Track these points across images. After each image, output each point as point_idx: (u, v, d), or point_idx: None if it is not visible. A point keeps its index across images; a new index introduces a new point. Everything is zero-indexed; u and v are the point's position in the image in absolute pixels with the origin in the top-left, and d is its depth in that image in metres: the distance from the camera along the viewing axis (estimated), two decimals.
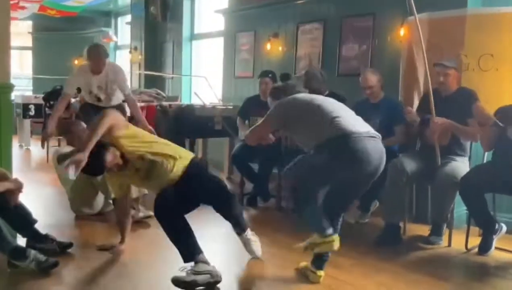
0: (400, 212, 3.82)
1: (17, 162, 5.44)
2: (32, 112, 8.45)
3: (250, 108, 5.08)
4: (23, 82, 11.88)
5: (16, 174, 3.34)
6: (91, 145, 2.86)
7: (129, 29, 9.78)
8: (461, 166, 3.69)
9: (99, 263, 3.22)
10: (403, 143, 4.18)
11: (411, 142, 4.11)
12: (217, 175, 3.16)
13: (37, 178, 5.81)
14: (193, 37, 8.53)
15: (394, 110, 4.10)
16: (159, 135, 3.89)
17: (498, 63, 3.84)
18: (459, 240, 3.69)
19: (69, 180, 3.89)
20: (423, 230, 3.99)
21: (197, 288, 2.76)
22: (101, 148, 2.93)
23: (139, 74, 9.14)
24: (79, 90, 5.12)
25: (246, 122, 5.15)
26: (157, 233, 2.98)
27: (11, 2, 4.63)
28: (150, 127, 4.43)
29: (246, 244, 3.23)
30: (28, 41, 12.23)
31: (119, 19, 11.30)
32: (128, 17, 10.03)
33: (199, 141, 6.58)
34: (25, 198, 3.19)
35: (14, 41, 8.91)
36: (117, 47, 11.33)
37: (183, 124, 5.72)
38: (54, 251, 3.23)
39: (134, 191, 3.84)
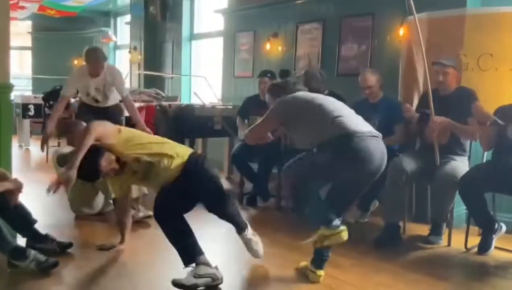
0: (399, 212, 3.82)
1: (16, 162, 5.45)
2: (31, 112, 8.44)
3: (250, 108, 5.09)
4: (22, 82, 11.89)
5: (15, 174, 3.34)
6: (78, 162, 2.84)
7: (129, 29, 9.78)
8: (460, 165, 3.69)
9: (99, 263, 3.22)
10: (403, 142, 4.18)
11: (410, 141, 4.11)
12: (214, 173, 3.08)
13: (36, 178, 5.79)
14: (192, 37, 8.53)
15: (394, 110, 4.10)
16: (159, 135, 3.88)
17: (497, 63, 3.84)
18: (458, 240, 3.70)
19: None
20: (423, 229, 4.00)
21: None
22: (95, 153, 2.92)
23: (139, 74, 9.13)
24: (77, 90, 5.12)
25: (246, 121, 5.15)
26: (157, 233, 2.98)
27: (11, 2, 4.62)
28: (148, 130, 4.40)
29: (247, 244, 3.19)
30: (28, 41, 12.23)
31: (119, 19, 11.30)
32: (128, 17, 10.03)
33: (199, 141, 6.59)
34: (24, 198, 3.20)
35: (14, 41, 8.92)
36: (116, 47, 11.34)
37: (182, 124, 5.72)
38: (54, 251, 3.24)
39: (134, 191, 3.84)
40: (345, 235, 2.88)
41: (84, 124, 4.22)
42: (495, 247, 3.57)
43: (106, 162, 2.97)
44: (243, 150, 4.89)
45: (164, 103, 6.30)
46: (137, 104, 6.06)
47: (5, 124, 3.44)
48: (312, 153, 2.98)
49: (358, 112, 3.13)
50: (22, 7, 8.85)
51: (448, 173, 3.60)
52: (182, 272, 2.80)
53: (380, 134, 2.96)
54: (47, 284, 2.88)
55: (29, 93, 10.13)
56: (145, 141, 3.06)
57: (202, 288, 2.77)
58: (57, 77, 8.82)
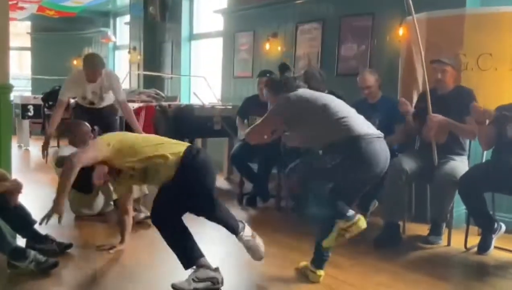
0: (399, 212, 3.82)
1: (16, 163, 5.44)
2: (31, 113, 8.44)
3: (249, 108, 5.09)
4: (22, 83, 11.89)
5: (15, 174, 3.34)
6: (63, 198, 2.88)
7: (128, 29, 9.77)
8: (460, 165, 3.69)
9: (99, 264, 3.22)
10: (404, 141, 4.17)
11: (410, 140, 4.11)
12: (209, 170, 2.97)
13: (36, 179, 5.81)
14: (192, 37, 8.53)
15: (393, 110, 4.10)
16: (159, 135, 3.88)
17: (497, 63, 3.84)
18: (458, 240, 3.70)
19: None
20: (422, 229, 4.00)
21: None
22: (87, 168, 2.93)
23: (138, 74, 9.13)
24: None
25: (245, 121, 5.15)
26: (157, 234, 2.98)
27: (10, 2, 4.62)
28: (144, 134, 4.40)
29: (245, 246, 3.05)
30: (27, 42, 12.23)
31: (118, 19, 11.30)
32: (127, 17, 10.03)
33: (198, 141, 6.58)
34: (24, 199, 3.20)
35: (13, 42, 8.91)
36: (116, 47, 11.33)
37: (182, 124, 5.72)
38: (54, 252, 3.24)
39: (135, 192, 3.84)
40: (363, 223, 2.83)
41: (87, 124, 4.25)
42: (495, 247, 3.57)
43: (98, 176, 2.99)
44: (242, 150, 4.89)
45: (164, 103, 6.29)
46: (136, 105, 6.08)
47: (4, 124, 3.44)
48: (317, 155, 2.95)
49: (357, 112, 3.13)
50: (21, 8, 8.84)
51: (447, 173, 3.60)
52: (182, 272, 2.80)
53: (382, 134, 2.96)
54: (47, 284, 2.88)
55: (28, 94, 10.13)
56: (138, 147, 2.98)
57: None
58: (57, 78, 8.83)
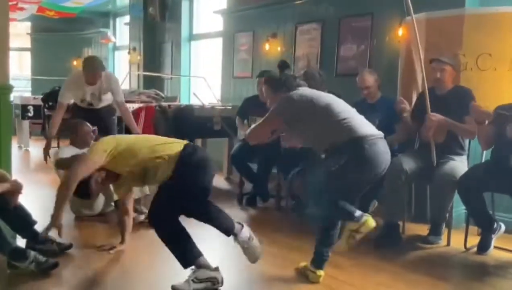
0: (399, 212, 3.83)
1: (16, 163, 5.45)
2: (31, 113, 8.43)
3: (249, 108, 5.09)
4: (22, 83, 11.90)
5: (15, 175, 3.34)
6: (60, 215, 2.92)
7: (128, 30, 9.78)
8: (459, 165, 3.70)
9: (99, 264, 3.22)
10: (404, 141, 4.17)
11: (410, 136, 4.11)
12: (206, 169, 2.94)
13: (36, 179, 5.81)
14: (191, 37, 8.53)
15: (393, 110, 4.10)
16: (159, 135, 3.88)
17: (496, 63, 3.85)
18: (458, 240, 3.70)
19: None
20: (422, 229, 4.00)
21: None
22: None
23: (138, 74, 9.14)
24: None
25: (245, 122, 5.15)
26: None
27: (10, 3, 4.62)
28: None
29: (241, 247, 2.96)
30: (27, 42, 12.24)
31: (118, 20, 11.30)
32: (127, 18, 10.04)
33: (198, 142, 6.58)
34: (24, 199, 3.20)
35: (13, 42, 8.93)
36: (115, 48, 11.34)
37: (182, 124, 5.72)
38: (54, 252, 3.24)
39: (136, 192, 3.84)
40: (372, 222, 2.82)
41: (88, 124, 4.26)
42: (495, 247, 3.57)
43: (95, 182, 3.00)
44: (242, 150, 4.90)
45: (164, 104, 6.30)
46: (136, 105, 6.08)
47: (4, 125, 3.44)
48: (318, 158, 2.94)
49: (357, 112, 3.13)
50: (21, 8, 8.84)
51: (447, 173, 3.61)
52: (182, 273, 2.80)
53: (383, 134, 2.96)
54: (47, 285, 2.88)
55: (28, 94, 10.14)
56: (134, 150, 2.95)
57: None
58: (57, 78, 8.83)
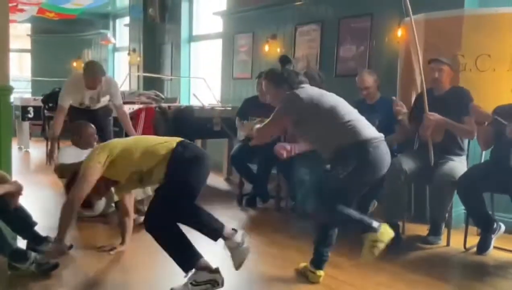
0: (399, 212, 3.83)
1: (16, 165, 5.45)
2: (31, 114, 8.43)
3: (249, 109, 5.09)
4: (22, 85, 11.90)
5: (15, 176, 3.35)
6: (64, 235, 2.94)
7: (128, 31, 9.79)
8: (458, 165, 3.70)
9: (100, 265, 3.23)
10: (403, 141, 4.18)
11: (409, 138, 4.12)
12: (197, 167, 2.87)
13: (36, 180, 5.82)
14: (191, 38, 8.54)
15: (392, 110, 4.11)
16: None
17: (495, 64, 3.86)
18: (457, 240, 3.71)
19: None
20: (422, 229, 4.01)
21: None
22: None
23: (138, 76, 9.15)
24: None
25: (245, 122, 5.15)
26: None
27: (10, 4, 4.63)
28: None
29: (229, 252, 2.85)
30: (27, 44, 12.24)
31: (118, 21, 11.31)
32: (127, 19, 10.04)
33: (198, 142, 6.59)
34: (24, 200, 3.20)
35: (13, 44, 8.94)
36: (115, 49, 11.34)
37: (182, 125, 5.72)
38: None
39: (139, 193, 3.84)
40: (389, 230, 2.82)
41: (92, 126, 4.27)
42: (494, 247, 3.58)
43: (94, 193, 3.01)
44: (242, 151, 4.91)
45: (164, 105, 6.31)
46: (136, 106, 6.10)
47: (4, 126, 3.45)
48: (322, 164, 2.92)
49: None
50: (21, 10, 8.86)
51: (446, 173, 3.61)
52: (182, 274, 2.79)
53: (383, 136, 2.96)
54: (47, 286, 2.88)
55: (28, 96, 10.15)
56: (128, 157, 2.93)
57: None
58: (57, 79, 8.84)
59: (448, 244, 3.75)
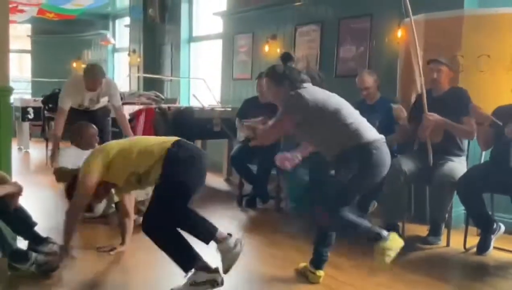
0: (398, 212, 3.84)
1: (16, 165, 5.45)
2: (31, 115, 8.44)
3: (249, 110, 5.09)
4: (22, 85, 11.89)
5: (15, 177, 3.35)
6: (71, 239, 3.02)
7: (128, 32, 9.79)
8: (458, 166, 3.70)
9: (100, 265, 3.23)
10: (403, 141, 4.18)
11: (409, 139, 4.12)
12: (191, 167, 2.85)
13: (36, 181, 5.82)
14: (191, 39, 8.54)
15: (392, 110, 4.11)
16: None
17: (495, 64, 3.85)
18: (457, 240, 3.71)
19: None
20: (422, 230, 4.01)
21: None
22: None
23: (138, 76, 9.15)
24: None
25: (244, 123, 5.16)
26: None
27: (10, 5, 4.63)
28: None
29: (220, 255, 2.81)
30: (27, 44, 12.24)
31: (117, 22, 11.31)
32: (127, 20, 10.05)
33: (198, 143, 6.59)
34: (24, 201, 3.20)
35: (13, 44, 8.94)
36: (115, 50, 11.34)
37: (182, 126, 5.72)
38: (55, 254, 3.24)
39: (140, 194, 3.84)
40: (399, 239, 2.85)
41: (94, 127, 4.28)
42: (494, 247, 3.58)
43: (93, 197, 3.05)
44: (242, 151, 4.91)
45: (164, 106, 6.32)
46: (136, 107, 6.10)
47: (4, 127, 3.45)
48: (326, 170, 2.91)
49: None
50: (21, 11, 8.86)
51: (445, 174, 3.61)
52: (182, 274, 2.79)
53: (384, 137, 2.96)
54: (47, 286, 2.89)
55: (28, 96, 10.15)
56: (124, 160, 2.93)
57: None
58: (57, 80, 8.84)
59: (448, 245, 3.75)
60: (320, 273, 2.98)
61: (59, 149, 4.64)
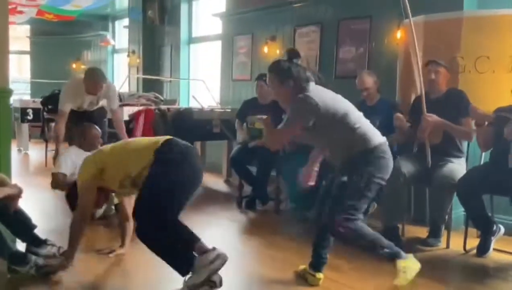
0: (398, 214, 3.83)
1: (15, 167, 5.45)
2: (30, 116, 8.44)
3: (248, 111, 5.09)
4: (21, 86, 11.90)
5: (14, 178, 3.35)
6: (74, 252, 3.04)
7: (127, 33, 9.79)
8: (458, 168, 3.70)
9: (99, 268, 3.23)
10: (403, 142, 4.17)
11: (409, 140, 4.12)
12: (180, 167, 2.79)
13: (36, 183, 5.80)
14: (191, 40, 8.54)
15: (392, 111, 4.11)
16: None
17: (494, 65, 3.85)
18: (457, 242, 3.71)
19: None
20: (421, 232, 4.01)
21: None
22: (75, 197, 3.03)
23: (137, 78, 9.15)
24: None
25: (244, 125, 5.16)
26: None
27: (9, 6, 4.64)
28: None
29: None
30: (26, 46, 12.24)
31: (117, 23, 11.31)
32: (126, 21, 10.05)
33: (198, 144, 6.59)
34: (24, 203, 3.20)
35: (13, 46, 8.91)
36: (114, 51, 11.34)
37: (181, 127, 5.73)
38: (54, 256, 3.23)
39: None
40: (416, 261, 2.82)
41: (97, 128, 4.29)
42: (494, 249, 3.58)
43: (95, 205, 3.08)
44: (241, 153, 4.91)
45: (163, 107, 6.31)
46: (136, 108, 6.09)
47: (4, 128, 3.45)
48: (339, 178, 2.87)
49: None
50: (21, 12, 8.85)
51: (445, 176, 3.61)
52: (181, 277, 2.79)
53: (386, 139, 2.96)
54: (47, 289, 2.88)
55: (27, 97, 10.15)
56: (117, 165, 2.92)
57: None
58: (56, 81, 8.83)
59: (448, 246, 3.74)
60: (320, 275, 2.98)
61: (58, 149, 4.66)
